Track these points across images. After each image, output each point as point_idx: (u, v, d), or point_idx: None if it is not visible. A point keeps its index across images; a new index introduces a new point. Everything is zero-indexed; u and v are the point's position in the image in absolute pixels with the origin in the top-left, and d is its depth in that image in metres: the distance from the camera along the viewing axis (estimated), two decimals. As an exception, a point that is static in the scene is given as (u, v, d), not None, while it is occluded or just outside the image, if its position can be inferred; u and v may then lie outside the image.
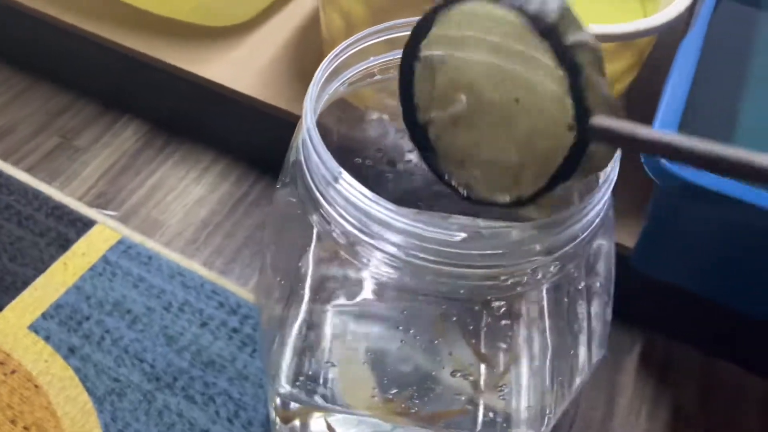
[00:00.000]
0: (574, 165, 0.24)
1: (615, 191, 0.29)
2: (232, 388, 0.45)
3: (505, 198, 0.27)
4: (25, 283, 0.50)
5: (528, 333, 0.36)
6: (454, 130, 0.27)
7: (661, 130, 0.22)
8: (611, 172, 0.28)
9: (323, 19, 0.53)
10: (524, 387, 0.36)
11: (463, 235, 0.25)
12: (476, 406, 0.35)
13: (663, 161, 0.37)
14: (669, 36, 0.46)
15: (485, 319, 0.36)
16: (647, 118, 0.40)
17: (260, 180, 0.58)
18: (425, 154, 0.28)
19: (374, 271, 0.28)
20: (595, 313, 0.34)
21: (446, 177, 0.28)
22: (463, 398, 0.35)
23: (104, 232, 0.53)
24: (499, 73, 0.25)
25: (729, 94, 0.53)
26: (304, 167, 0.29)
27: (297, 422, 0.38)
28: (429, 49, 0.27)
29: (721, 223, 0.39)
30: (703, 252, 0.42)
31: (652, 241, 0.43)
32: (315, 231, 0.31)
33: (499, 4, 0.23)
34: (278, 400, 0.38)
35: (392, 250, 0.27)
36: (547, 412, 0.35)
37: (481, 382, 0.36)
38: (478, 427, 0.35)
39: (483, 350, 0.36)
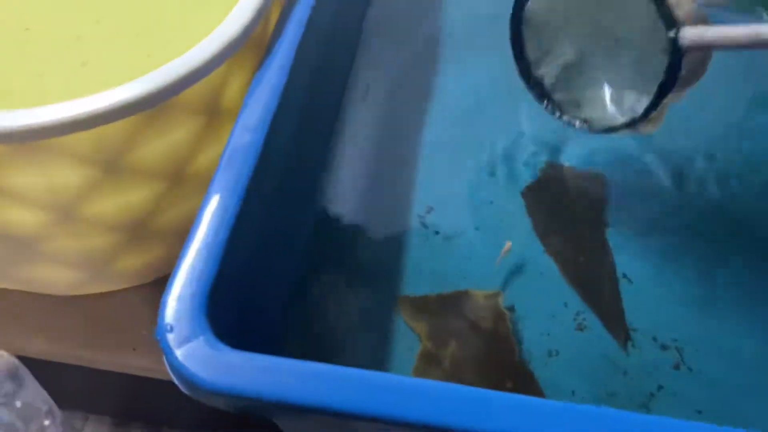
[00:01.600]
0: (674, 78, 0.28)
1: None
2: None
3: (621, 121, 0.31)
4: None
5: None
6: (566, 77, 0.32)
7: (743, 26, 0.26)
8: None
9: None
10: None
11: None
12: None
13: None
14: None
15: None
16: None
17: None
18: (546, 103, 0.33)
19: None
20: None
21: (566, 118, 0.33)
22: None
23: None
24: (596, 20, 0.30)
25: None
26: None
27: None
28: (532, 13, 0.31)
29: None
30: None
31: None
32: None
33: None
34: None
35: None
36: None
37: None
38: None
39: None
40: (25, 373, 0.23)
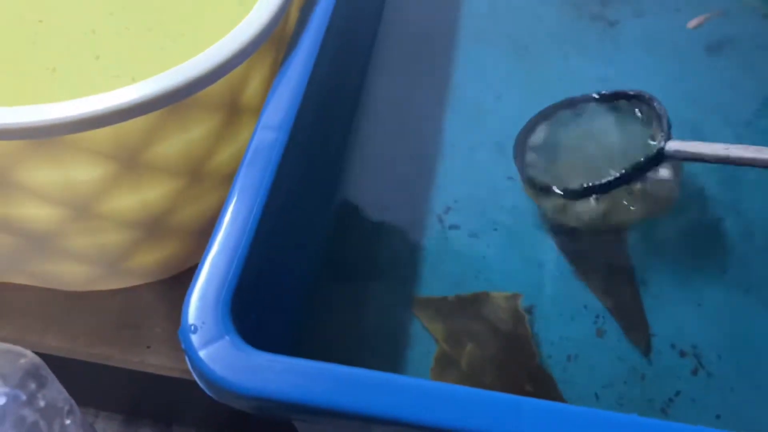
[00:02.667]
0: (648, 165, 0.34)
1: None
2: None
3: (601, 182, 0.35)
4: None
5: None
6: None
7: (716, 144, 0.32)
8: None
9: None
10: None
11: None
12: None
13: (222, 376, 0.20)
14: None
15: None
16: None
17: None
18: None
19: None
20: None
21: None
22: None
23: None
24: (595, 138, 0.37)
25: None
26: None
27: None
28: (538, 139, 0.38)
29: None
30: None
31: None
32: None
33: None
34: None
35: None
36: None
37: None
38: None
39: None
40: (47, 372, 0.22)
